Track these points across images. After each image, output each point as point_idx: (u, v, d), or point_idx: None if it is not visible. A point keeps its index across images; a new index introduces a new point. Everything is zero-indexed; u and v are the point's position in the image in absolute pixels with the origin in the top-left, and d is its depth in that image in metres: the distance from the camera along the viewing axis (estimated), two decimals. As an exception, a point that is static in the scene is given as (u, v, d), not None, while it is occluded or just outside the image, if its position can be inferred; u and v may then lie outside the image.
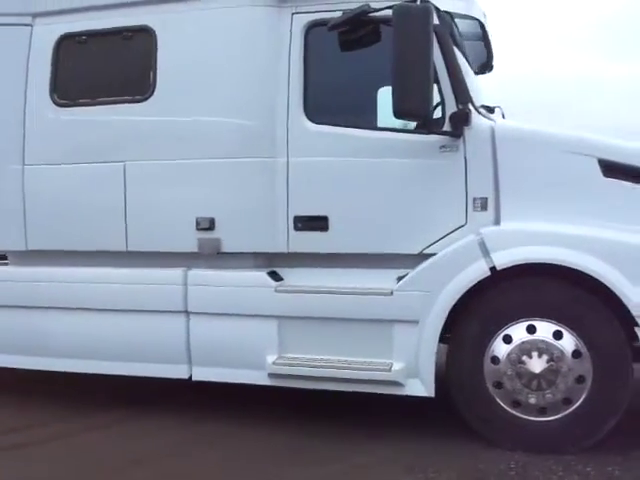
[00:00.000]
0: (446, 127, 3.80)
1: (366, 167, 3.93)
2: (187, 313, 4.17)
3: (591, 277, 3.52)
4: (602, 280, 3.50)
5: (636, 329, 3.46)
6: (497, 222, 3.77)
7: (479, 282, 3.68)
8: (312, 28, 4.01)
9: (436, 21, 3.80)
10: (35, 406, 4.55)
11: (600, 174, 3.67)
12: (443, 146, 3.81)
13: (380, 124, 4.06)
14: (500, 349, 3.67)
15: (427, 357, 3.74)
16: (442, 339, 3.79)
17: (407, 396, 3.82)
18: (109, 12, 4.25)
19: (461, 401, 3.76)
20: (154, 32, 4.17)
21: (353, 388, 3.89)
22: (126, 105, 4.22)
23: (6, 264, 4.67)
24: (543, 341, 3.60)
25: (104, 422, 4.25)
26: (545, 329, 3.62)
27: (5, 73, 4.43)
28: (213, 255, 4.16)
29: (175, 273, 4.19)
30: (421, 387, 3.77)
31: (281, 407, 4.38)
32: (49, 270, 4.40)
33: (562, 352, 3.57)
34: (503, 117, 4.50)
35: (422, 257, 3.85)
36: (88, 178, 4.29)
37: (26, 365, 4.47)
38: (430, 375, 3.74)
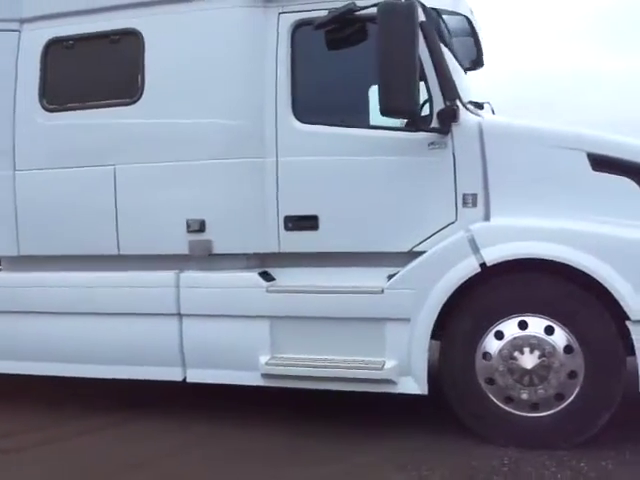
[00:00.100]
0: (434, 124, 3.79)
1: (355, 166, 3.93)
2: (180, 315, 4.17)
3: (582, 272, 3.50)
4: (593, 275, 3.48)
5: (627, 323, 3.45)
6: (487, 218, 3.76)
7: (470, 279, 3.67)
8: (299, 27, 4.01)
9: (422, 18, 3.80)
10: (29, 410, 4.57)
11: (589, 168, 3.66)
12: (431, 143, 3.80)
13: (368, 123, 4.04)
14: (492, 345, 3.66)
15: (419, 355, 3.74)
16: (435, 336, 3.80)
17: (400, 394, 3.82)
18: (96, 16, 4.25)
19: (453, 398, 3.76)
20: (141, 35, 4.17)
21: (346, 387, 3.89)
22: (115, 109, 4.22)
23: (-1, 270, 4.70)
24: (535, 337, 3.59)
25: (99, 425, 4.26)
26: (537, 325, 3.61)
27: (-6, 79, 4.44)
28: (205, 257, 4.16)
29: (167, 276, 4.19)
30: (414, 385, 3.77)
31: (276, 408, 4.38)
32: (42, 275, 4.41)
33: (554, 347, 3.56)
34: (493, 113, 4.50)
35: (413, 255, 3.85)
36: (79, 182, 4.30)
37: (20, 370, 4.47)
38: (423, 373, 3.74)
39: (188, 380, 4.21)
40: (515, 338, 3.62)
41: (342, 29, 3.85)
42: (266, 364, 3.97)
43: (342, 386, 3.89)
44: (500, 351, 3.64)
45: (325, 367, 3.87)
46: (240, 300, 4.06)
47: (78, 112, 4.31)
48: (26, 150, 4.40)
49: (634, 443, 3.57)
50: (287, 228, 4.04)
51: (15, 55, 4.39)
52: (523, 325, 3.63)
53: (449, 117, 3.75)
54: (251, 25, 4.04)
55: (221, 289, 4.10)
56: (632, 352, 3.46)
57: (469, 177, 3.78)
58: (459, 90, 3.87)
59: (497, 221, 3.72)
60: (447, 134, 3.77)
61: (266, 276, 4.12)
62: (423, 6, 3.81)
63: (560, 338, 3.57)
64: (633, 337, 3.44)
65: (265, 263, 4.19)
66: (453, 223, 3.80)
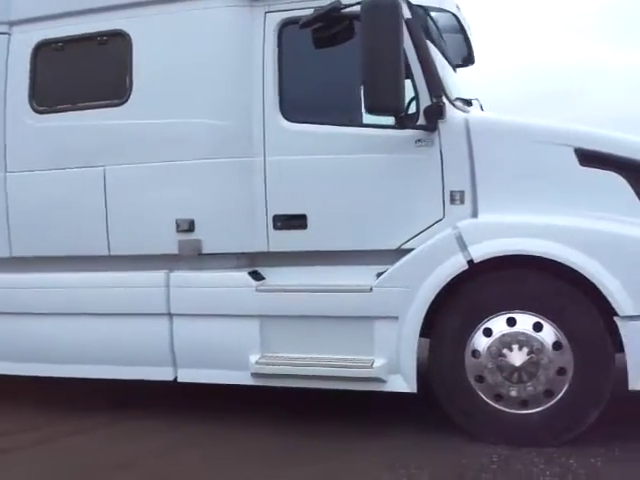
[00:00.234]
0: (421, 121, 3.77)
1: (342, 164, 3.92)
2: (170, 315, 4.18)
3: (570, 268, 3.48)
4: (581, 271, 3.47)
5: (616, 319, 3.43)
6: (475, 215, 3.75)
7: (458, 276, 3.66)
8: (285, 26, 4.01)
9: (408, 15, 3.80)
10: (20, 411, 4.58)
11: (577, 163, 3.64)
12: (418, 140, 3.79)
13: (356, 121, 4.03)
14: (480, 342, 3.65)
15: (408, 353, 3.73)
16: (424, 334, 3.78)
17: (389, 392, 3.81)
18: (84, 17, 4.26)
19: (443, 395, 3.75)
20: (129, 36, 4.18)
21: (335, 386, 3.88)
22: (104, 110, 4.24)
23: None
24: (523, 333, 3.57)
25: (90, 425, 4.26)
26: (525, 321, 3.59)
27: (-15, 82, 4.47)
28: (195, 256, 4.17)
29: (157, 276, 4.20)
30: (403, 383, 3.75)
31: (266, 407, 4.38)
32: (33, 276, 4.43)
33: (542, 344, 3.54)
34: (482, 109, 4.48)
35: (401, 252, 3.84)
36: (69, 184, 4.32)
37: (12, 371, 4.48)
38: (412, 371, 3.73)
39: (179, 380, 4.21)
40: (504, 335, 3.60)
41: (328, 27, 3.84)
42: (256, 363, 3.97)
43: (331, 385, 3.88)
44: (489, 348, 3.62)
45: (314, 366, 3.87)
46: (230, 299, 4.06)
47: (68, 113, 4.32)
48: (17, 152, 4.42)
49: (623, 440, 3.55)
50: (276, 227, 4.04)
51: (5, 57, 4.41)
52: (511, 322, 3.61)
53: (435, 114, 3.74)
54: (238, 25, 4.04)
55: (211, 289, 4.11)
56: (621, 348, 3.44)
57: (456, 174, 3.76)
58: (446, 87, 3.87)
59: (484, 218, 3.71)
60: (434, 131, 3.76)
61: (256, 275, 4.13)
62: (408, 3, 3.80)
63: (549, 335, 3.55)
64: (622, 333, 3.41)
65: (255, 262, 4.19)
66: (441, 220, 3.78)
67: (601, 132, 3.77)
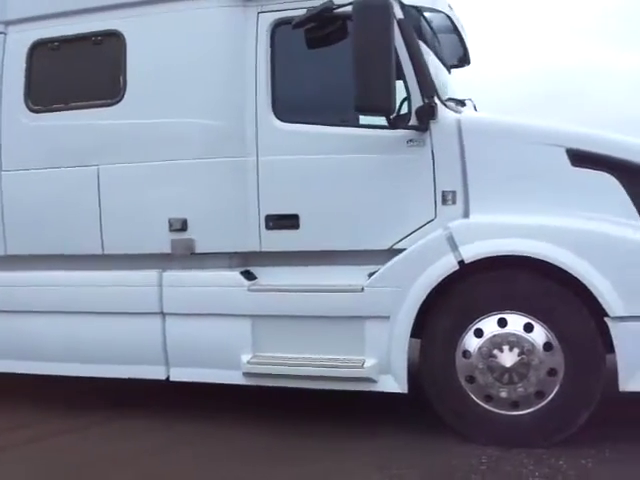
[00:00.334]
0: (412, 121, 3.77)
1: (334, 164, 3.92)
2: (163, 314, 4.19)
3: (561, 269, 3.47)
4: (571, 272, 3.45)
5: (606, 320, 3.42)
6: (466, 215, 3.74)
7: (449, 276, 3.65)
8: (278, 27, 4.01)
9: (400, 15, 3.80)
10: (13, 408, 4.59)
11: (569, 164, 3.63)
12: (410, 140, 3.79)
13: (348, 121, 4.02)
14: (471, 343, 3.64)
15: (399, 353, 3.72)
16: (415, 334, 3.77)
17: (380, 392, 3.81)
18: (79, 17, 4.28)
19: (434, 396, 3.74)
20: (123, 36, 4.20)
21: (327, 386, 3.88)
22: (98, 109, 4.25)
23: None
24: (514, 334, 3.56)
25: (83, 424, 4.28)
26: (516, 322, 3.58)
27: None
28: (187, 256, 4.17)
29: (150, 275, 4.21)
30: (394, 383, 3.75)
31: (258, 407, 4.39)
32: (28, 274, 4.45)
33: (533, 345, 3.53)
34: (475, 110, 4.47)
35: (393, 253, 3.83)
36: (63, 183, 4.33)
37: (5, 369, 4.50)
38: (402, 371, 3.72)
39: (171, 379, 4.22)
40: (494, 336, 3.60)
41: (320, 28, 3.84)
42: (248, 363, 3.98)
43: (323, 385, 3.88)
44: (480, 349, 3.61)
45: (306, 366, 3.87)
46: (222, 299, 4.06)
47: (62, 113, 4.34)
48: (12, 151, 4.44)
49: (614, 441, 3.53)
50: (268, 227, 4.04)
51: (1, 57, 4.44)
52: (502, 323, 3.60)
53: (427, 114, 3.73)
54: (231, 25, 4.05)
55: (203, 288, 4.11)
56: (612, 349, 3.43)
57: (448, 174, 3.76)
58: (438, 87, 3.86)
59: (476, 218, 3.70)
60: (425, 131, 3.76)
61: (248, 275, 4.13)
62: (401, 3, 3.81)
63: (539, 335, 3.54)
64: (612, 334, 3.40)
65: (248, 262, 4.20)
66: (432, 221, 3.78)
67: (593, 132, 3.76)
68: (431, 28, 4.25)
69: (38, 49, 4.39)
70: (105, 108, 4.23)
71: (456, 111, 3.87)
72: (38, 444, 3.98)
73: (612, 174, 3.57)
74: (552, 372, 3.52)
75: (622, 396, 3.44)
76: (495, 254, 3.55)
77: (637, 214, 3.54)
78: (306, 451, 3.69)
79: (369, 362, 3.77)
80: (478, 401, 3.64)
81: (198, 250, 4.15)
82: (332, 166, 3.93)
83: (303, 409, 4.31)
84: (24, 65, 4.39)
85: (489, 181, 3.72)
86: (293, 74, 4.08)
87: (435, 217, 3.78)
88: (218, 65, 4.08)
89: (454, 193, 3.76)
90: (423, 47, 3.93)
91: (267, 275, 4.14)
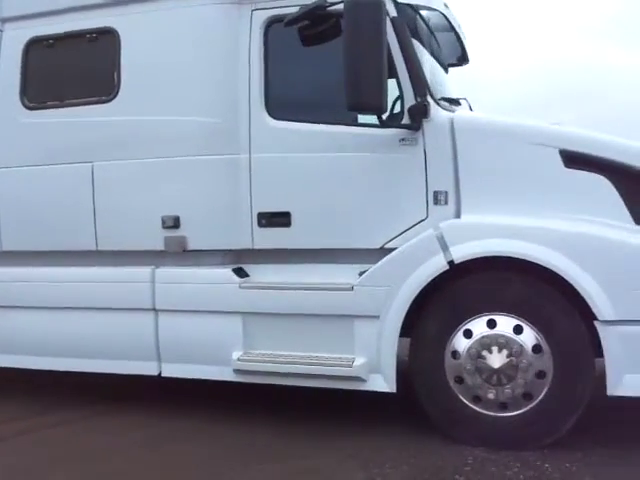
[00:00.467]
0: (405, 120, 3.75)
1: (327, 162, 3.91)
2: (155, 311, 4.21)
3: (551, 271, 3.45)
4: (561, 274, 3.42)
5: (596, 323, 3.39)
6: (458, 215, 3.72)
7: (439, 276, 3.64)
8: (271, 24, 4.01)
9: (394, 13, 3.78)
10: (4, 402, 4.64)
11: (561, 165, 3.59)
12: (402, 139, 3.77)
13: (341, 119, 4.00)
14: (460, 344, 3.62)
15: (388, 352, 3.71)
16: (405, 334, 3.76)
17: (369, 391, 3.81)
18: (75, 15, 4.30)
19: (423, 396, 3.73)
20: (117, 33, 4.21)
21: (316, 384, 3.88)
22: (92, 106, 4.27)
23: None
24: (503, 336, 3.54)
25: (72, 418, 4.32)
26: (505, 324, 3.55)
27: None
28: (180, 253, 4.19)
29: (143, 271, 4.23)
30: (383, 382, 3.74)
31: (249, 404, 4.41)
32: (22, 270, 4.48)
33: (522, 347, 3.50)
34: (470, 109, 4.44)
35: (384, 252, 3.82)
36: (58, 179, 4.36)
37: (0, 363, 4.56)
38: (391, 370, 3.71)
39: (163, 375, 4.24)
40: (483, 337, 3.57)
41: (313, 25, 3.82)
42: (238, 360, 3.99)
43: (312, 383, 3.88)
44: (468, 350, 3.59)
45: (295, 363, 3.88)
46: (213, 296, 4.08)
47: (58, 110, 4.36)
48: (7, 147, 4.47)
49: (602, 445, 3.51)
50: (260, 225, 4.04)
51: None
52: (492, 324, 3.58)
53: (420, 113, 3.71)
54: (224, 22, 4.04)
55: (195, 285, 4.13)
56: (601, 353, 3.40)
57: (440, 174, 3.74)
58: (432, 86, 3.83)
59: (467, 218, 3.68)
60: (418, 130, 3.73)
61: (240, 272, 4.14)
62: (394, 1, 3.78)
63: (529, 337, 3.51)
64: (601, 338, 3.37)
65: (241, 259, 4.20)
66: (424, 220, 3.76)
67: (586, 134, 3.72)
68: (427, 26, 4.22)
69: (34, 46, 4.42)
70: (99, 105, 4.25)
71: (449, 110, 3.84)
72: (26, 436, 4.04)
73: (605, 176, 3.53)
74: (541, 374, 3.49)
75: (610, 400, 3.41)
76: (485, 255, 3.52)
77: (630, 217, 3.50)
78: (293, 449, 3.70)
79: (358, 361, 3.77)
80: (466, 402, 3.62)
81: (191, 247, 4.16)
82: (324, 164, 3.92)
83: (293, 407, 4.32)
84: (20, 62, 4.42)
85: (481, 181, 3.69)
86: (286, 72, 4.07)
87: (427, 217, 3.76)
88: (211, 62, 4.08)
89: (446, 193, 3.73)
90: (418, 46, 3.89)
91: (259, 272, 4.15)
